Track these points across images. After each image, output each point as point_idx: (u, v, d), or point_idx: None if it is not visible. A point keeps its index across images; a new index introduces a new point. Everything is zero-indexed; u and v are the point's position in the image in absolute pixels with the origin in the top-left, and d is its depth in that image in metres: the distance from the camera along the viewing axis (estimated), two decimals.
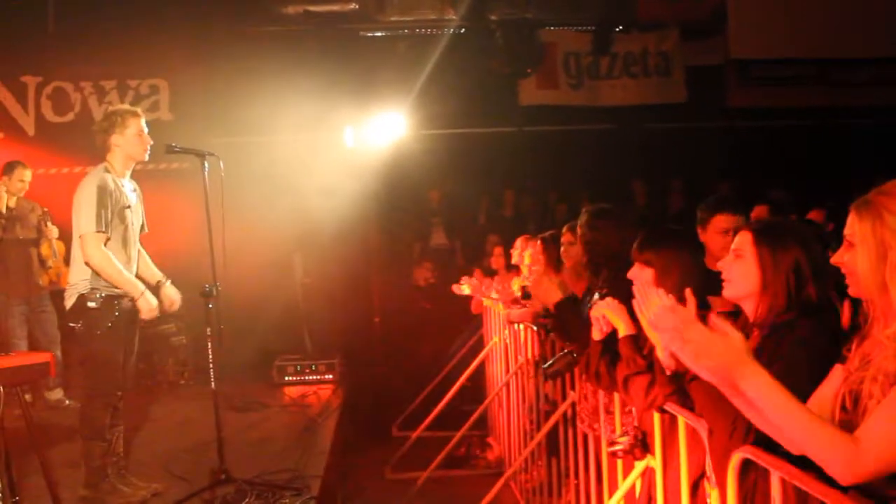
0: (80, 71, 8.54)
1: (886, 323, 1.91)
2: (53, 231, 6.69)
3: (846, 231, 1.97)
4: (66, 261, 6.57)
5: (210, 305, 4.42)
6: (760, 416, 1.90)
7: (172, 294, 4.59)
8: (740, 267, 2.43)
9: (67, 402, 6.56)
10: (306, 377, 7.49)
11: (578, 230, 4.01)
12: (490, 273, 7.89)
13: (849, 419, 1.91)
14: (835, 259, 2.01)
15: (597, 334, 3.27)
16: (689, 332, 1.82)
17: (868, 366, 1.91)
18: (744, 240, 2.46)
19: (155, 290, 4.50)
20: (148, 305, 4.33)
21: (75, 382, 6.59)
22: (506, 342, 6.35)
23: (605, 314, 3.11)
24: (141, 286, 4.33)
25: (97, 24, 7.99)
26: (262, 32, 8.74)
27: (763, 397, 1.80)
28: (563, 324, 4.14)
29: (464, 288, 7.23)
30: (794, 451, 1.90)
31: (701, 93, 9.53)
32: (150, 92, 8.64)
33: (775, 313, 2.36)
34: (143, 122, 4.39)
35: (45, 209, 6.75)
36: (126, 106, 4.54)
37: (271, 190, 7.68)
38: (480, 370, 7.18)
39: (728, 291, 2.48)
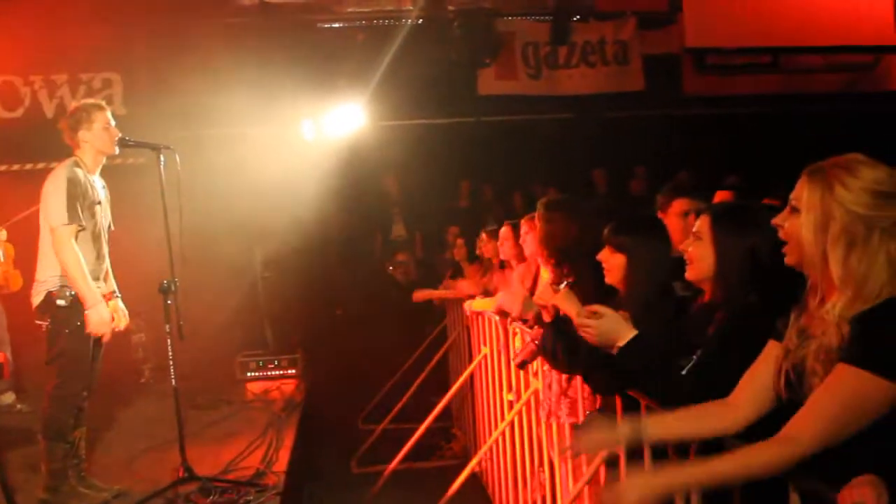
0: (30, 65, 8.32)
1: (827, 296, 1.88)
2: (1, 233, 6.34)
3: (793, 195, 1.94)
4: (15, 263, 6.41)
5: (169, 301, 4.33)
6: None
7: (122, 309, 4.48)
8: (698, 250, 2.47)
9: (19, 406, 6.35)
10: (269, 372, 7.41)
11: (536, 222, 4.01)
12: (452, 265, 7.90)
13: (795, 398, 1.91)
14: (776, 220, 1.99)
15: (545, 317, 3.32)
16: None
17: (809, 341, 1.90)
18: (703, 223, 2.49)
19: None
20: (98, 318, 4.14)
21: (29, 385, 6.44)
22: (468, 333, 6.36)
23: (557, 304, 3.13)
24: (98, 298, 4.17)
25: (47, 16, 7.78)
26: (218, 24, 8.59)
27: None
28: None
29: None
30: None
31: (658, 81, 9.62)
32: (102, 86, 8.44)
33: (732, 298, 2.39)
34: (108, 114, 4.33)
35: None
36: (91, 100, 4.44)
37: (229, 184, 7.56)
38: (444, 361, 7.18)
39: (689, 273, 2.52)
